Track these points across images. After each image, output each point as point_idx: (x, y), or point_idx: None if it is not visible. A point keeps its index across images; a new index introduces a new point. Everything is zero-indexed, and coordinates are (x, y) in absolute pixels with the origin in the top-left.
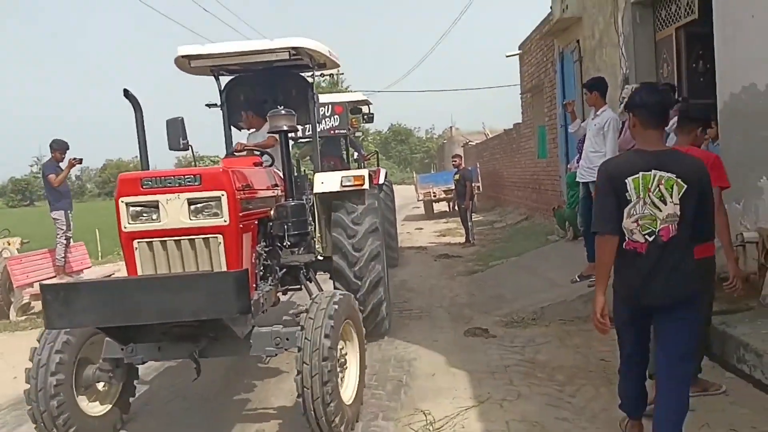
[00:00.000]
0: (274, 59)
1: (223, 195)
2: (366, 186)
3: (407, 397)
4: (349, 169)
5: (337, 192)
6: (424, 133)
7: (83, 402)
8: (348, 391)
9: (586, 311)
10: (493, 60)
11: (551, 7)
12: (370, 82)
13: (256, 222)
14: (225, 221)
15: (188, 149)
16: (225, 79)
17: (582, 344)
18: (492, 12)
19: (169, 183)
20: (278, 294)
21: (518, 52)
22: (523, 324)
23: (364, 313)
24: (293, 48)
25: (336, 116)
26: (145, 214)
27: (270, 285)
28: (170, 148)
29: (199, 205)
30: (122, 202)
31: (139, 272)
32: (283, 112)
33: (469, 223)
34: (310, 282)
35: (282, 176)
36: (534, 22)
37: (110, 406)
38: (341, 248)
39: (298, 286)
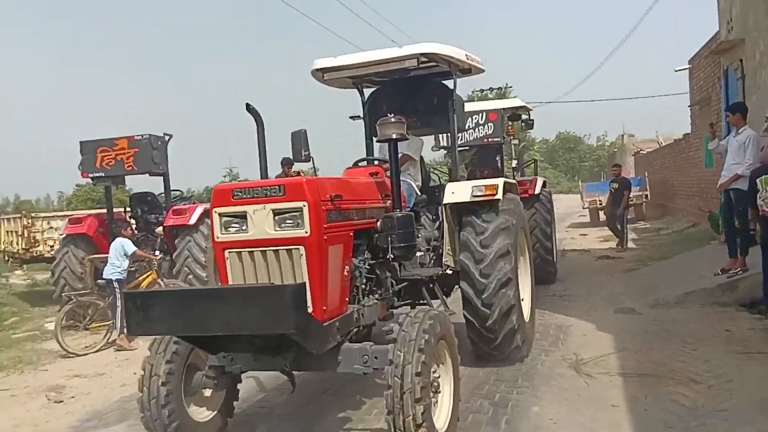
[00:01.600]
0: (404, 67)
1: (304, 205)
2: (498, 196)
3: (563, 346)
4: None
5: (470, 203)
6: (595, 141)
7: (191, 407)
8: (441, 419)
9: (723, 297)
10: (664, 71)
11: (718, 28)
12: (539, 92)
13: (351, 233)
14: (306, 232)
15: (309, 160)
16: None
17: (714, 322)
18: (664, 25)
19: (257, 194)
20: (391, 309)
21: (687, 66)
22: (667, 306)
23: (494, 342)
24: (422, 54)
25: (490, 124)
26: (235, 225)
27: (376, 299)
28: (293, 160)
29: (283, 216)
30: (215, 212)
31: (230, 282)
32: (392, 119)
33: (625, 229)
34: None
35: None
36: (704, 38)
37: (215, 412)
38: (468, 274)
39: (423, 301)
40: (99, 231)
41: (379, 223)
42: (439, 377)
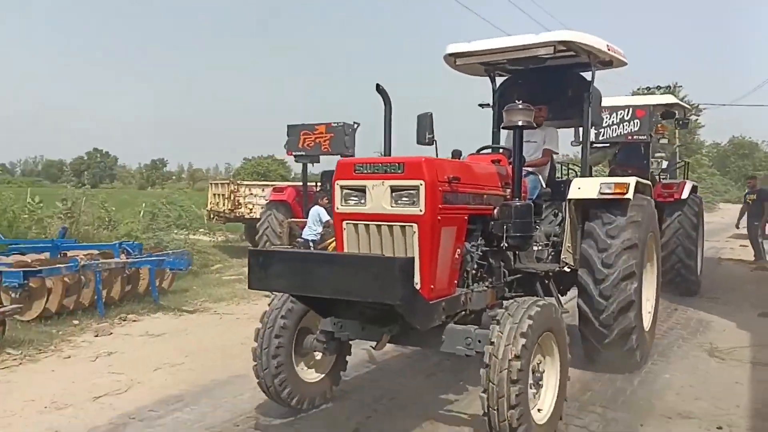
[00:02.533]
0: (540, 55)
1: (421, 184)
2: (629, 196)
3: (701, 336)
4: (649, 179)
5: (597, 201)
6: None
7: (300, 366)
8: (543, 410)
9: None
10: None
11: None
12: (714, 93)
13: (466, 217)
14: (421, 210)
15: (433, 144)
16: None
17: None
18: None
19: (377, 170)
20: (501, 298)
21: None
22: None
23: (608, 338)
24: (559, 42)
25: (636, 120)
26: (354, 198)
27: (486, 286)
28: (417, 142)
29: (400, 193)
30: (338, 184)
31: (345, 251)
32: (520, 106)
33: (761, 241)
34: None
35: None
36: None
37: (323, 375)
38: (589, 262)
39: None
40: (296, 200)
41: (495, 211)
42: (543, 369)
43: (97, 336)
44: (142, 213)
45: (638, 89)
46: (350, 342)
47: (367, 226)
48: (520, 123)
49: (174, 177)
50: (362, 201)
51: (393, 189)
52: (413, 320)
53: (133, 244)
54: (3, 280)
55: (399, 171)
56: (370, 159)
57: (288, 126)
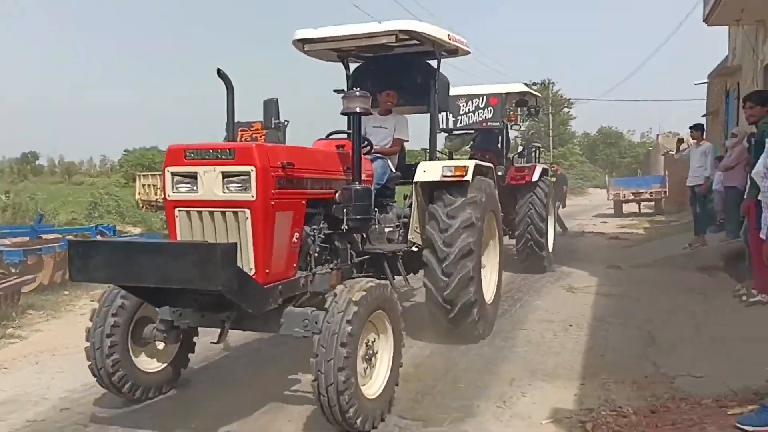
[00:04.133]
0: (383, 43)
1: (252, 170)
2: (468, 178)
3: (563, 280)
4: (503, 164)
5: (439, 183)
6: (639, 136)
7: (141, 357)
8: (374, 386)
9: (684, 261)
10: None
11: (728, 53)
12: (585, 89)
13: (304, 201)
14: (252, 196)
15: (279, 129)
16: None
17: (674, 277)
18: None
19: (207, 156)
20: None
21: (705, 81)
22: (643, 266)
23: (451, 312)
24: (401, 31)
25: (490, 108)
26: (186, 184)
27: (331, 268)
28: (263, 127)
29: (231, 179)
30: (168, 171)
31: (179, 239)
32: (357, 93)
33: (559, 215)
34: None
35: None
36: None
37: (165, 364)
38: (432, 241)
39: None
40: None
41: (337, 194)
42: (376, 346)
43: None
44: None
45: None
46: (196, 328)
47: (199, 213)
48: (357, 109)
49: (45, 170)
50: (194, 188)
51: (225, 175)
52: (246, 305)
53: (108, 226)
54: (4, 258)
55: (230, 157)
56: (201, 145)
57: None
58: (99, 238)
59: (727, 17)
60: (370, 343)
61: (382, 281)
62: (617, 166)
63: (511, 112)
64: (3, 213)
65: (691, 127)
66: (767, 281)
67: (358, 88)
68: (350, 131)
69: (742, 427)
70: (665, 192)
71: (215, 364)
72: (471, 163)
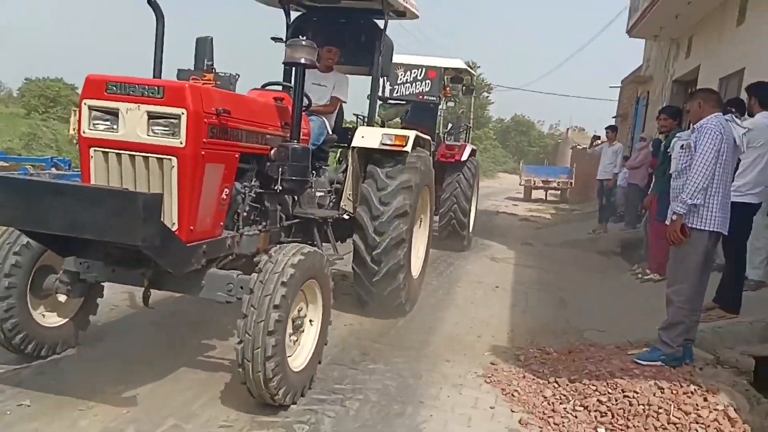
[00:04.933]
0: None
1: (183, 113)
2: (408, 148)
3: (483, 253)
4: (436, 141)
5: (378, 150)
6: (548, 128)
7: (39, 310)
8: (299, 358)
9: (587, 245)
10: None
11: (642, 62)
12: (505, 78)
13: (237, 155)
14: (181, 143)
15: (212, 71)
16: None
17: (579, 256)
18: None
19: (132, 91)
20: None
21: (618, 85)
22: (553, 246)
23: (377, 275)
24: None
25: (428, 81)
26: (105, 122)
27: (259, 230)
28: (195, 68)
29: (158, 121)
30: (85, 104)
31: (92, 183)
32: (303, 42)
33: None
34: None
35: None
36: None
37: (67, 319)
38: (367, 200)
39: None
40: None
41: (272, 152)
42: (305, 316)
43: None
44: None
45: None
46: (102, 285)
47: (119, 155)
48: (302, 60)
49: None
50: (114, 126)
51: (150, 115)
52: (165, 263)
53: (64, 159)
54: None
55: (158, 95)
56: (126, 78)
57: (178, 70)
58: (54, 171)
59: (647, 32)
60: (298, 313)
61: (315, 249)
62: (525, 154)
63: (447, 88)
64: None
65: (607, 128)
66: (661, 263)
67: (304, 38)
68: (289, 84)
69: (638, 361)
70: (571, 183)
71: (120, 322)
72: (411, 134)
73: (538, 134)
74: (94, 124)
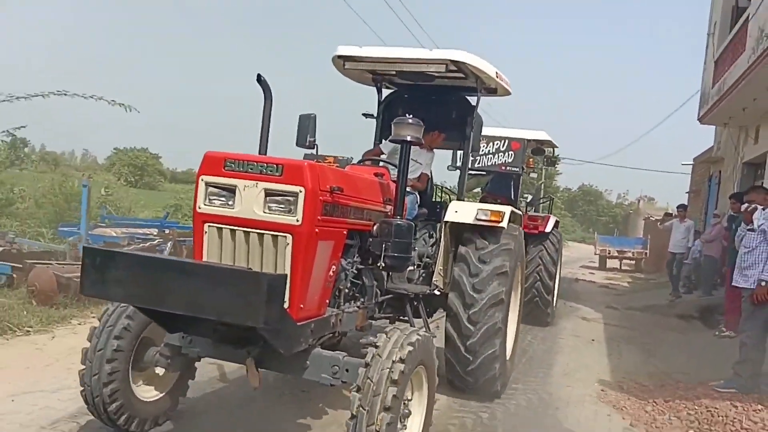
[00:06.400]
0: (430, 71)
1: (301, 191)
2: (504, 224)
3: (573, 314)
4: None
5: (471, 226)
6: (615, 197)
7: (138, 383)
8: None
9: (665, 309)
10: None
11: (713, 143)
12: (572, 151)
13: (345, 232)
14: (298, 220)
15: (314, 147)
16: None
17: (660, 319)
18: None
19: (251, 168)
20: (370, 320)
21: (691, 163)
22: (635, 309)
23: (471, 365)
24: (452, 61)
25: (511, 152)
26: (222, 198)
27: (358, 306)
28: (297, 144)
29: (275, 198)
30: (202, 180)
31: (204, 259)
32: (410, 120)
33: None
34: (419, 317)
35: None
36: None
37: (163, 393)
38: (460, 286)
39: (404, 317)
40: None
41: (375, 227)
42: (411, 405)
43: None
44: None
45: None
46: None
47: (233, 231)
48: (408, 138)
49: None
50: (230, 202)
51: (268, 193)
52: (278, 344)
53: None
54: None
55: (277, 173)
56: (245, 155)
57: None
58: None
59: (717, 120)
60: (405, 401)
61: (425, 332)
62: (594, 223)
63: (530, 159)
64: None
65: (678, 206)
66: (737, 322)
67: (410, 115)
68: (385, 159)
69: (718, 389)
70: (646, 253)
71: (212, 395)
72: (507, 209)
73: (606, 204)
74: (210, 200)
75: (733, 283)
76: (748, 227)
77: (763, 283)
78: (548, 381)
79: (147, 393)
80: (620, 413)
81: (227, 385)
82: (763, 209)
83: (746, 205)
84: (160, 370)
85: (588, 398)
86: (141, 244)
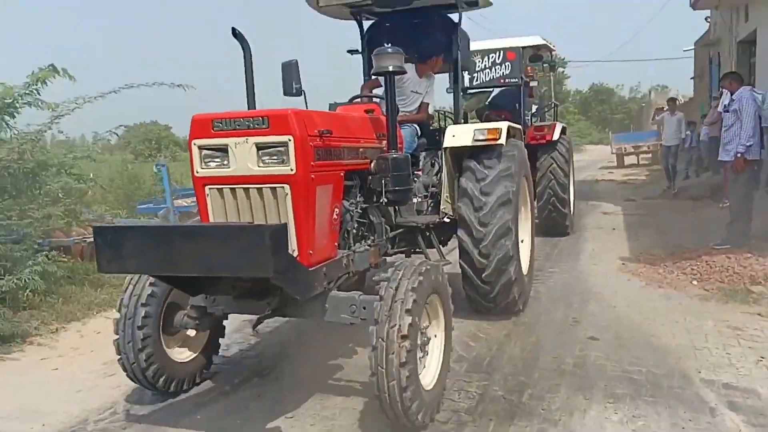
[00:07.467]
0: None
1: (290, 140)
2: (502, 141)
3: (595, 209)
4: (522, 123)
5: (470, 148)
6: (628, 92)
7: (172, 346)
8: (429, 375)
9: (680, 193)
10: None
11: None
12: (579, 52)
13: (342, 174)
14: (291, 170)
15: (301, 95)
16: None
17: (673, 203)
18: None
19: (238, 125)
20: (385, 257)
21: (692, 48)
22: (651, 198)
23: (486, 269)
24: None
25: (507, 63)
26: (216, 159)
27: (369, 245)
28: (285, 93)
29: (267, 151)
30: (194, 144)
31: (211, 220)
32: (389, 50)
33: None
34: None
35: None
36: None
37: (196, 353)
38: (466, 222)
39: (419, 249)
40: None
41: (372, 165)
42: (429, 332)
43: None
44: None
45: None
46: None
47: (233, 190)
48: (390, 68)
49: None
50: (225, 162)
51: (259, 146)
52: (293, 291)
53: None
54: None
55: (264, 126)
56: (230, 113)
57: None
58: None
59: (708, 3)
60: (423, 329)
61: (435, 261)
62: (609, 122)
63: (528, 67)
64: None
65: (668, 100)
66: None
67: (389, 45)
68: (373, 95)
69: (715, 247)
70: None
71: (245, 351)
72: (503, 125)
73: (620, 100)
74: (205, 163)
75: (719, 158)
76: (724, 109)
77: (739, 155)
78: (578, 263)
79: (181, 355)
80: (638, 278)
81: (258, 336)
82: (731, 93)
83: (720, 90)
84: (191, 332)
85: (611, 271)
86: None
